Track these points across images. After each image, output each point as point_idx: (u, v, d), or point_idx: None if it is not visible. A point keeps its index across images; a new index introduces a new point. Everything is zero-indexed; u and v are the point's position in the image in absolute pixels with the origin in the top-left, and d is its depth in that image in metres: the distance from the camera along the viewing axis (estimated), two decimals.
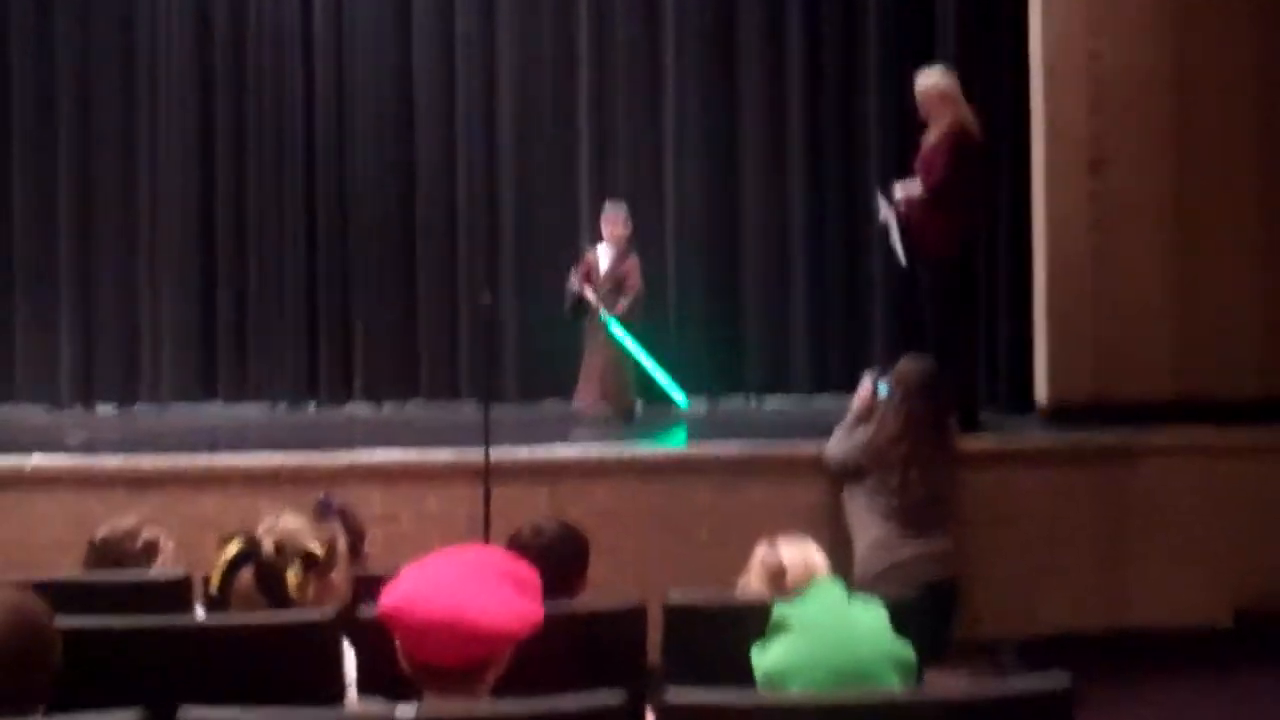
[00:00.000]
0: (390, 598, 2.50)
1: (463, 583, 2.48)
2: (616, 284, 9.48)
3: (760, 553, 3.60)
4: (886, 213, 7.74)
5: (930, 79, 7.85)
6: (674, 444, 8.41)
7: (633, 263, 9.53)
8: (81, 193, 11.22)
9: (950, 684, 5.79)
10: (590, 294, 9.37)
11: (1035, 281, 8.76)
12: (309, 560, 3.09)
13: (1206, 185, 8.39)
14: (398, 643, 2.51)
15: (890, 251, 7.97)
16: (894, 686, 2.43)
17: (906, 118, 11.11)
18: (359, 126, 11.30)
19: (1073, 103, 8.51)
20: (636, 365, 9.47)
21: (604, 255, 9.49)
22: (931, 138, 7.70)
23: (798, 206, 11.32)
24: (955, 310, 7.79)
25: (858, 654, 2.44)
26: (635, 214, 9.88)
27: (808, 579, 3.44)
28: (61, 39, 11.21)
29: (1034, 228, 8.76)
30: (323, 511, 3.89)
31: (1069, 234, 8.48)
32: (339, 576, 3.28)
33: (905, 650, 2.50)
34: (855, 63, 11.34)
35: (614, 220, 9.53)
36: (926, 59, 11.03)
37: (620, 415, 9.31)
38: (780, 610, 2.52)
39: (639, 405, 9.56)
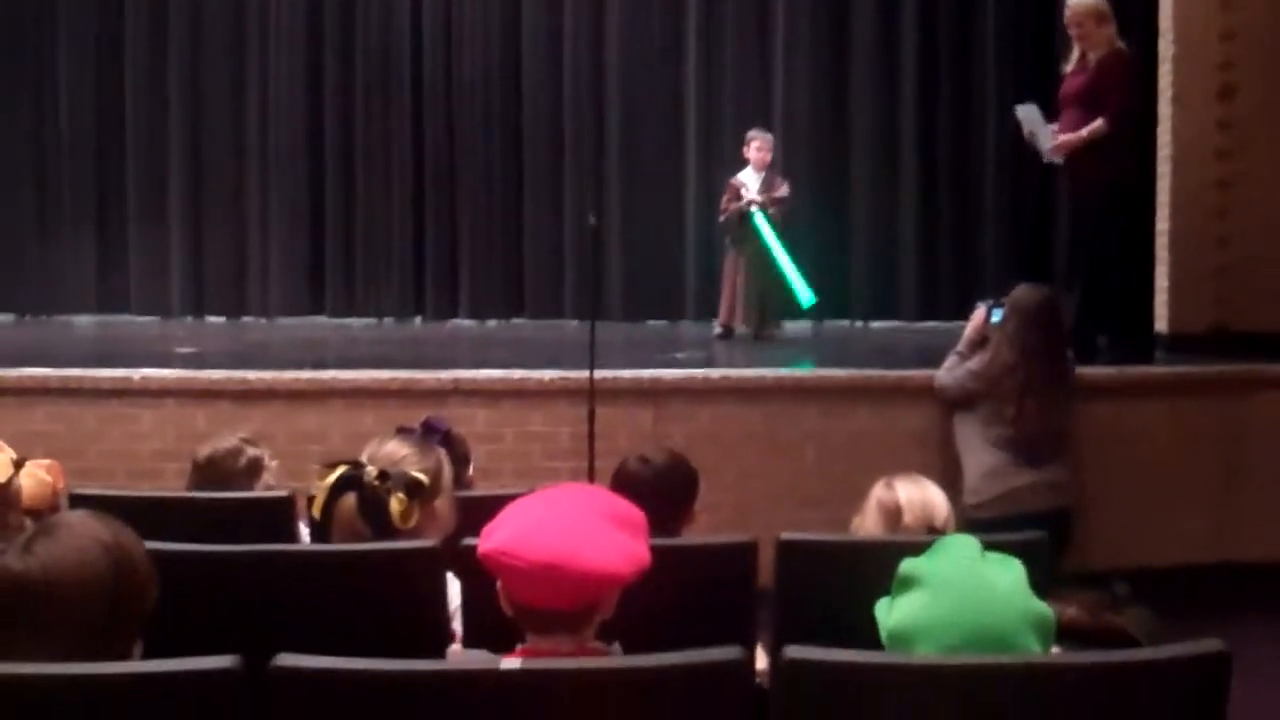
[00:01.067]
0: (492, 540, 2.39)
1: (568, 523, 2.38)
2: (771, 203, 9.55)
3: (876, 492, 3.48)
4: (1031, 118, 7.43)
5: (1087, 1, 7.45)
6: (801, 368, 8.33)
7: (783, 181, 9.69)
8: (193, 108, 11.33)
9: (1069, 612, 5.68)
10: (744, 196, 9.43)
11: (1158, 208, 8.51)
12: (413, 488, 3.03)
13: None
14: (499, 585, 2.42)
15: (1026, 165, 7.66)
16: (1033, 649, 2.30)
17: (1022, 41, 10.91)
18: (465, 44, 11.29)
19: (1203, 26, 8.22)
20: (777, 284, 9.51)
21: (751, 178, 9.45)
22: (1091, 60, 7.34)
23: (908, 131, 11.18)
24: (1118, 237, 7.53)
25: (994, 614, 2.29)
26: (741, 136, 9.79)
27: (926, 519, 3.33)
28: None
29: (1159, 153, 8.50)
30: (428, 435, 3.84)
31: (1195, 161, 8.25)
32: (443, 504, 3.21)
33: (1044, 610, 2.36)
34: None
35: (763, 145, 9.63)
36: None
37: (760, 337, 9.39)
38: (909, 565, 2.38)
39: (778, 329, 9.63)
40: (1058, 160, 7.41)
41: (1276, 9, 8.19)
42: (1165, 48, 8.42)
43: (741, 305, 9.44)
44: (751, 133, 9.72)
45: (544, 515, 2.41)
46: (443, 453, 3.33)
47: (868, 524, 3.44)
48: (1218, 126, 8.23)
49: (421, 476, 3.07)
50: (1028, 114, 7.51)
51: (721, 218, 9.58)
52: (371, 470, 3.04)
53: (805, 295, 9.50)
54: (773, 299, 9.58)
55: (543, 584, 2.34)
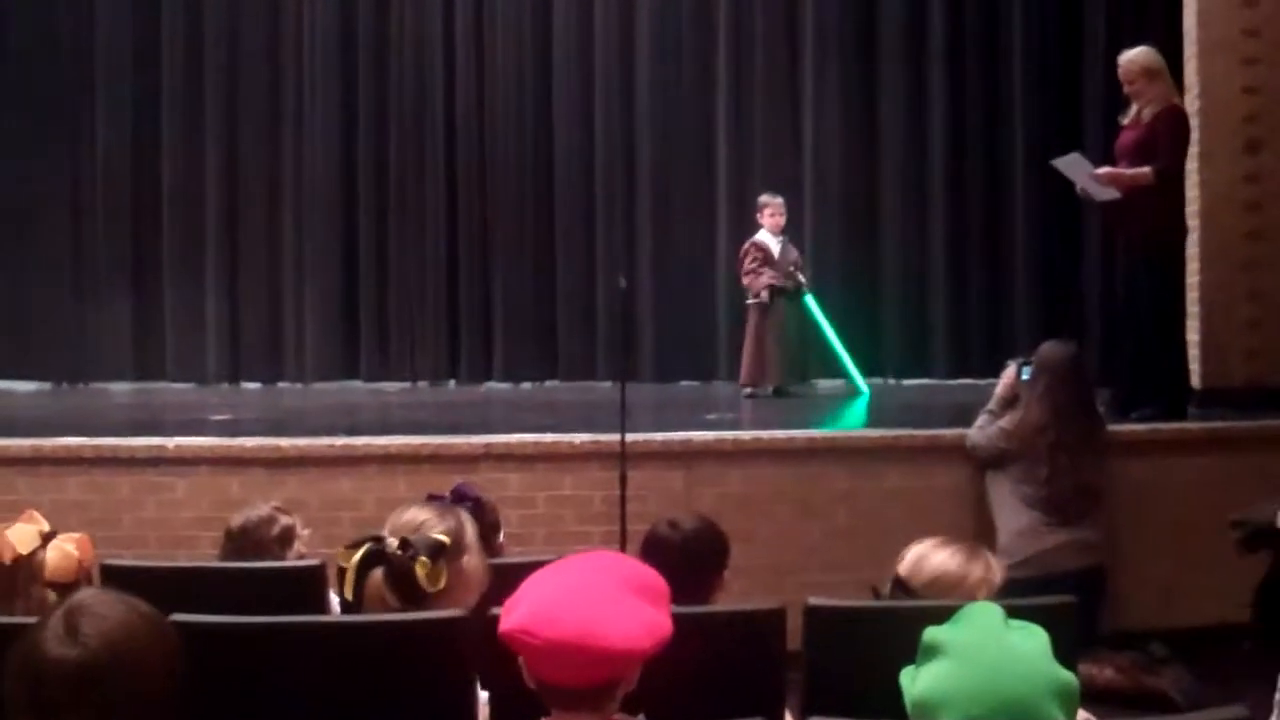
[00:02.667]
0: (512, 618, 2.36)
1: (588, 598, 2.35)
2: (793, 267, 9.64)
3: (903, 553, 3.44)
4: (1072, 165, 7.44)
5: (1134, 55, 7.43)
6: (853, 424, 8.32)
7: (795, 251, 9.81)
8: (228, 176, 11.45)
9: (1106, 674, 5.62)
10: (801, 276, 9.57)
11: (1188, 263, 8.49)
12: (436, 550, 3.04)
13: None
14: (521, 661, 2.40)
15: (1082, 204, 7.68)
16: (1056, 718, 2.29)
17: (1051, 97, 10.94)
18: (499, 111, 11.39)
19: (1228, 81, 8.24)
20: (810, 345, 9.66)
21: (771, 241, 9.55)
22: (1145, 117, 7.36)
23: (938, 188, 11.20)
24: (1176, 292, 7.54)
25: (1017, 683, 2.28)
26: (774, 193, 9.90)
27: (927, 583, 3.27)
28: (210, 33, 11.40)
29: (1187, 208, 8.49)
30: (458, 503, 3.85)
31: (1224, 214, 8.22)
32: (472, 562, 3.21)
33: (1068, 678, 2.34)
34: (998, 33, 11.17)
35: (776, 210, 9.66)
36: (1074, 35, 10.84)
37: (779, 390, 9.46)
38: (933, 634, 2.37)
39: (801, 384, 9.67)
40: (1115, 194, 7.33)
41: None
42: (1191, 103, 8.42)
43: (770, 363, 9.44)
44: (764, 197, 9.77)
45: (563, 589, 2.38)
46: (463, 512, 3.34)
47: (888, 586, 3.40)
48: (1245, 180, 8.22)
49: (443, 537, 3.09)
50: (1069, 164, 7.48)
51: (762, 280, 9.53)
52: (393, 542, 3.05)
53: (863, 386, 9.65)
54: (807, 357, 9.61)
55: (564, 662, 2.31)
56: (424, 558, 3.02)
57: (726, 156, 11.37)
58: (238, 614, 2.99)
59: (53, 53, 11.39)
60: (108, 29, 11.43)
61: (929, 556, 3.32)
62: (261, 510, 4.19)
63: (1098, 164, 7.52)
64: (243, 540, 4.10)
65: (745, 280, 9.59)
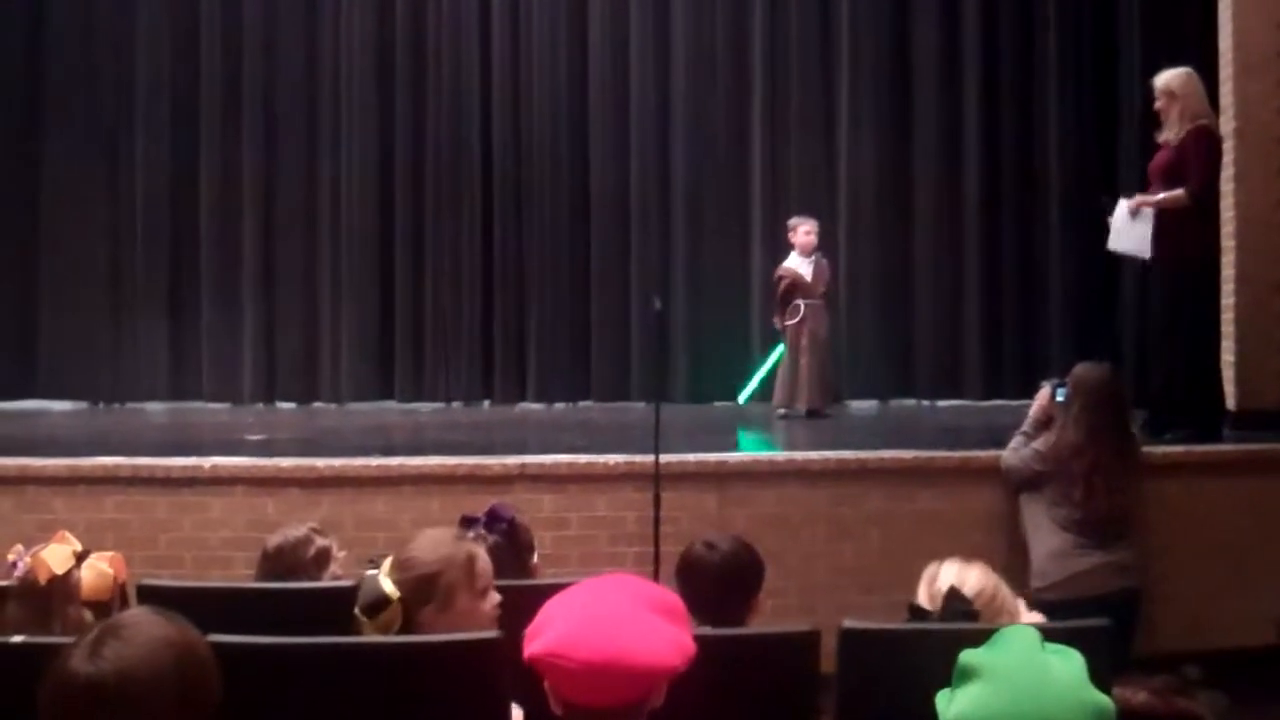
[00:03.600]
0: (539, 642, 2.39)
1: (615, 619, 2.37)
2: (827, 289, 9.75)
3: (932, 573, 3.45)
4: (1122, 212, 7.46)
5: (1166, 76, 7.46)
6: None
7: (825, 264, 9.85)
8: (265, 198, 11.53)
9: (1140, 697, 5.58)
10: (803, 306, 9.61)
11: (1223, 284, 8.46)
12: (376, 606, 3.10)
13: None
14: (548, 685, 2.41)
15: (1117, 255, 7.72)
16: None
17: (1086, 122, 10.92)
18: (534, 134, 11.44)
19: (1264, 102, 8.21)
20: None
21: (801, 265, 9.51)
22: (1174, 139, 7.37)
23: (972, 208, 11.18)
24: (1209, 314, 7.52)
25: (1053, 707, 2.28)
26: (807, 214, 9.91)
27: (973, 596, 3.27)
28: (248, 60, 11.48)
29: (1223, 229, 8.46)
30: (492, 524, 3.88)
31: (1260, 236, 8.18)
32: (464, 605, 3.20)
33: (1104, 702, 2.34)
34: (1033, 55, 11.17)
35: (811, 230, 9.66)
36: (1110, 58, 10.81)
37: (813, 412, 9.46)
38: (969, 656, 2.38)
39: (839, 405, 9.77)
40: (1148, 247, 7.37)
41: None
42: (1227, 124, 8.40)
43: (803, 384, 9.43)
44: (795, 219, 9.79)
45: (589, 612, 2.40)
46: (470, 548, 3.30)
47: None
48: None
49: (390, 591, 3.11)
50: (1120, 228, 7.52)
51: (781, 320, 9.64)
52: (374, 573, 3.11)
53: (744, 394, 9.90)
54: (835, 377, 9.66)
55: (597, 683, 2.33)
56: (357, 612, 3.10)
57: (761, 179, 11.39)
58: (273, 634, 3.01)
59: (93, 80, 11.51)
60: (147, 56, 11.53)
61: (966, 569, 3.33)
62: (298, 531, 4.20)
63: (1132, 190, 7.52)
64: (279, 560, 4.11)
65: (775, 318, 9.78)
